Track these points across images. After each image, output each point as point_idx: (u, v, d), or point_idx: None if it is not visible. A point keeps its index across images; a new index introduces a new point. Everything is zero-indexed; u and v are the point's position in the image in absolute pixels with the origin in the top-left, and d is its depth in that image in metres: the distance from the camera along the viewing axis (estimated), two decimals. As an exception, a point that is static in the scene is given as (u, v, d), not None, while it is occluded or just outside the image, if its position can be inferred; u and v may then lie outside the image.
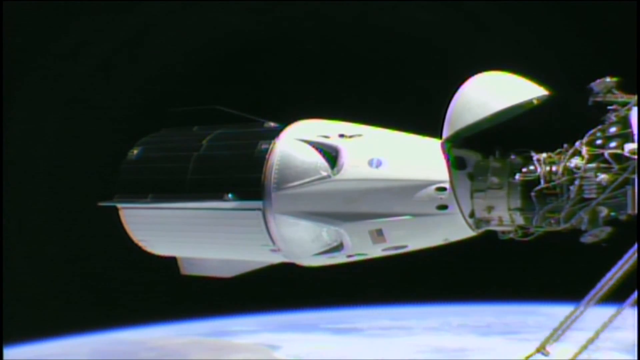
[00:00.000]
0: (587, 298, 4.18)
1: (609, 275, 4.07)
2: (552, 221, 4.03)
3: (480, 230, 4.34)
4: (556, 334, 4.32)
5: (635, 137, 3.73)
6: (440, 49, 15.22)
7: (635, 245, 3.85)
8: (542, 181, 4.00)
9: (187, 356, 18.34)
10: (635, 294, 4.02)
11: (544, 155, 4.13)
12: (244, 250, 4.90)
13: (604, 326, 4.19)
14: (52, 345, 18.30)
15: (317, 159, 4.45)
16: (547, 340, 4.32)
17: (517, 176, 4.08)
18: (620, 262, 3.99)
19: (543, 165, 4.05)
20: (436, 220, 4.26)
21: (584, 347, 4.28)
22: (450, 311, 20.43)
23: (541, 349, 4.33)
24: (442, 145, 4.35)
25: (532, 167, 4.08)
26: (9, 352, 15.18)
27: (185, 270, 5.71)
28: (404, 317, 20.82)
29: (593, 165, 3.84)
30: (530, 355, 4.37)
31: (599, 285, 4.12)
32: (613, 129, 3.88)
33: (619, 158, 3.77)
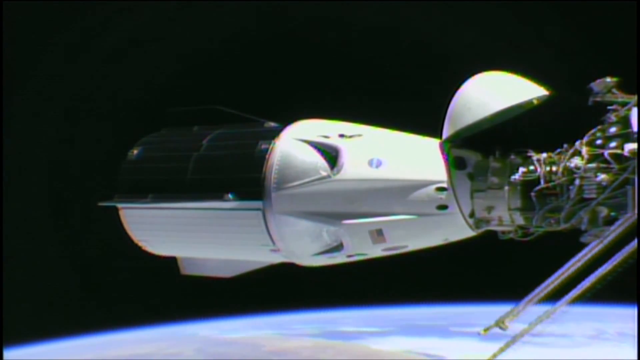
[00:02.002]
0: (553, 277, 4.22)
1: (571, 262, 4.14)
2: (552, 221, 4.03)
3: (480, 230, 4.35)
4: (517, 310, 4.34)
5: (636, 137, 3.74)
6: (440, 49, 15.22)
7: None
8: (542, 181, 4.00)
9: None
10: (570, 295, 4.10)
11: (544, 155, 4.13)
12: (244, 250, 4.90)
13: (538, 321, 4.25)
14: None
15: (317, 159, 4.46)
16: (507, 316, 4.36)
17: (515, 176, 4.08)
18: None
19: (543, 166, 4.05)
20: (436, 220, 4.26)
21: (513, 341, 4.35)
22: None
23: (500, 324, 4.37)
24: (441, 145, 4.35)
25: (532, 167, 4.08)
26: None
27: (185, 270, 5.72)
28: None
29: (593, 165, 3.84)
30: (489, 329, 4.41)
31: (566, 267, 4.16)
32: (613, 129, 3.88)
33: (619, 158, 3.77)
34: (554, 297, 4.18)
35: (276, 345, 18.74)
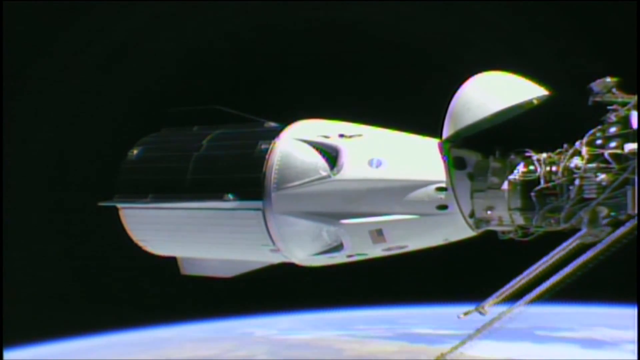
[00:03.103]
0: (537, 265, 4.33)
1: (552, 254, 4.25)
2: (552, 221, 4.03)
3: (480, 230, 4.34)
4: (499, 295, 4.45)
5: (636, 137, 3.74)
6: (440, 48, 15.23)
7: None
8: (542, 181, 4.00)
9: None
10: (530, 295, 4.23)
11: (544, 155, 4.13)
12: (244, 250, 4.90)
13: (494, 320, 4.37)
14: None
15: (317, 159, 4.45)
16: (488, 302, 4.47)
17: (513, 175, 4.08)
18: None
19: (543, 165, 4.05)
20: (436, 220, 4.26)
21: (470, 338, 4.48)
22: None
23: (480, 309, 4.46)
24: (440, 145, 4.35)
25: (532, 167, 4.08)
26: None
27: (185, 270, 5.71)
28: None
29: (593, 165, 3.83)
30: (469, 313, 4.52)
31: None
32: (613, 129, 3.87)
33: (619, 158, 3.77)
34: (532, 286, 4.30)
35: (355, 348, 18.12)
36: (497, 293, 4.46)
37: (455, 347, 4.59)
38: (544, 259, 4.26)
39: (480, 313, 4.49)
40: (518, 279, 4.38)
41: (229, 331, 20.62)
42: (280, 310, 20.77)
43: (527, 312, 4.19)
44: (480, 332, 4.46)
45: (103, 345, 19.13)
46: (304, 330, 20.45)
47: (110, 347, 19.05)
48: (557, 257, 4.19)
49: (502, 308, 4.39)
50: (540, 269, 4.29)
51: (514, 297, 4.38)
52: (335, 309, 21.03)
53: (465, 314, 4.55)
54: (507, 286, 4.42)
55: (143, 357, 18.02)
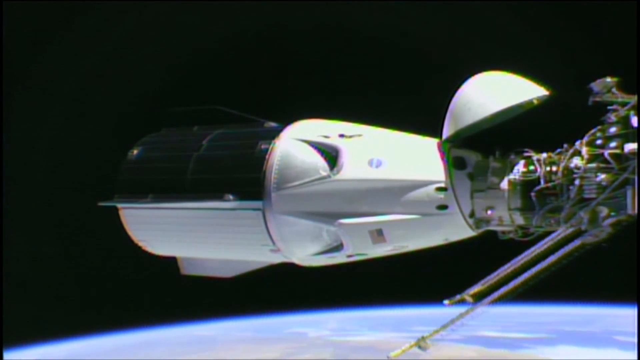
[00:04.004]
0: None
1: (522, 257, 4.42)
2: (552, 221, 4.03)
3: (480, 230, 4.34)
4: (484, 283, 4.59)
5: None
6: (440, 49, 15.22)
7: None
8: (542, 181, 4.00)
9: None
10: (492, 296, 4.37)
11: (544, 155, 4.13)
12: (244, 250, 4.90)
13: (452, 321, 4.51)
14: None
15: (317, 159, 4.45)
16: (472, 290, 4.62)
17: (513, 174, 4.08)
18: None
19: (543, 166, 4.05)
20: (436, 220, 4.26)
21: (427, 337, 4.62)
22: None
23: (463, 299, 4.59)
24: (439, 145, 4.35)
25: (532, 167, 4.08)
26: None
27: (185, 270, 5.71)
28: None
29: (593, 165, 3.83)
30: (453, 302, 4.66)
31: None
32: (613, 129, 3.87)
33: (619, 158, 3.77)
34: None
35: (433, 353, 17.46)
36: (483, 281, 4.57)
37: (437, 331, 4.67)
38: (529, 251, 4.38)
39: (465, 301, 4.59)
40: (505, 267, 4.49)
41: (275, 330, 20.06)
42: (309, 308, 20.21)
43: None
44: (461, 317, 4.56)
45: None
46: (358, 330, 19.68)
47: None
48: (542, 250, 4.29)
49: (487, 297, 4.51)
50: (525, 259, 4.41)
51: (499, 286, 4.51)
52: (362, 307, 20.51)
53: (451, 302, 4.65)
54: (493, 275, 4.53)
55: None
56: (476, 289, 4.58)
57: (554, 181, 3.97)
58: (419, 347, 4.67)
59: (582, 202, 3.87)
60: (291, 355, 17.78)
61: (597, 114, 4.01)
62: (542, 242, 4.27)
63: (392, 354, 4.69)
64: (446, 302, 4.71)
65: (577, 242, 3.98)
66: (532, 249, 4.34)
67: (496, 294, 4.45)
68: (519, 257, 4.45)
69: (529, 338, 17.48)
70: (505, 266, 4.50)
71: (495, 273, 4.55)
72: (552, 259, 4.21)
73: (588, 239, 3.92)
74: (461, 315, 4.55)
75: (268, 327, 20.43)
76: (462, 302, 4.66)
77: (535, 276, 4.30)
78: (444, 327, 4.64)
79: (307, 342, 19.13)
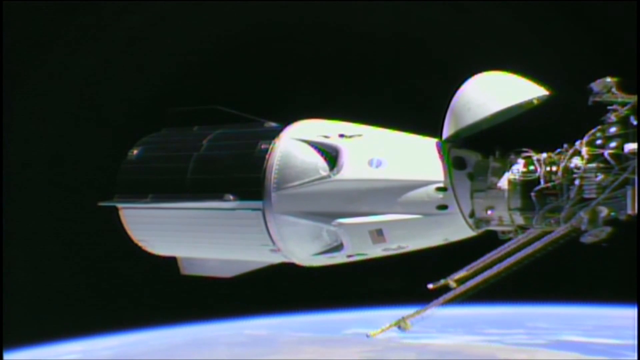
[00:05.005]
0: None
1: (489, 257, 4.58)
2: (552, 221, 4.03)
3: (480, 230, 4.34)
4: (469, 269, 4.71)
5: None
6: (440, 49, 15.23)
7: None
8: (542, 181, 4.00)
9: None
10: (442, 298, 4.48)
11: (544, 155, 4.13)
12: (244, 250, 4.90)
13: (434, 303, 4.61)
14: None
15: (317, 159, 4.45)
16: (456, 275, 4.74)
17: (513, 174, 4.09)
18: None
19: (543, 166, 4.05)
20: (436, 220, 4.26)
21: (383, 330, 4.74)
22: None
23: (447, 284, 4.70)
24: (438, 145, 4.35)
25: (532, 167, 4.08)
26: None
27: (185, 270, 5.71)
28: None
29: (593, 165, 3.84)
30: (437, 287, 4.77)
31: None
32: (613, 129, 3.88)
33: (619, 158, 3.77)
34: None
35: (481, 353, 16.62)
36: (468, 267, 4.66)
37: (418, 312, 4.74)
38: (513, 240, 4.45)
39: (450, 287, 4.70)
40: (488, 255, 4.60)
41: (331, 330, 19.65)
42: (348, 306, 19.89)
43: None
44: (442, 301, 4.65)
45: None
46: (428, 333, 18.68)
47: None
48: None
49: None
50: (510, 248, 4.49)
51: (483, 271, 4.59)
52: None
53: (435, 286, 4.76)
54: (478, 261, 4.64)
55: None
56: (461, 274, 4.62)
57: (554, 181, 3.97)
58: (399, 327, 4.70)
59: (582, 202, 3.87)
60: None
61: (597, 114, 4.02)
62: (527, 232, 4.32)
63: (372, 333, 4.73)
64: (430, 285, 4.79)
65: (561, 230, 4.00)
66: (517, 238, 4.39)
67: (478, 279, 4.51)
68: (504, 246, 4.52)
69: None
70: (490, 253, 4.59)
71: (480, 260, 4.63)
72: (536, 245, 4.25)
73: (588, 239, 3.92)
74: (443, 298, 4.60)
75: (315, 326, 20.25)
76: (446, 286, 4.74)
77: (518, 262, 4.35)
78: (425, 308, 4.67)
79: (376, 343, 18.10)
